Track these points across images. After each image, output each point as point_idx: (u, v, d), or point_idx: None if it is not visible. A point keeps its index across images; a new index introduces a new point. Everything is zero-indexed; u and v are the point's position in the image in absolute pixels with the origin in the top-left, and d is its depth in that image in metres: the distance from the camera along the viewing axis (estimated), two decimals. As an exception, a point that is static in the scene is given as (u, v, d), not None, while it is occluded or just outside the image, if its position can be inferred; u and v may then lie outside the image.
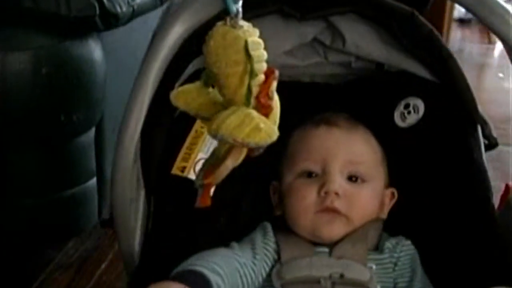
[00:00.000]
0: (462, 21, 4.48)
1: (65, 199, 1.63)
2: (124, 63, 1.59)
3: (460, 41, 4.42)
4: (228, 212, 1.13)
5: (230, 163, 0.87)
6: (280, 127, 1.16)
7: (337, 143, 1.11)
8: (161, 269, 0.93)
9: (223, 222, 1.12)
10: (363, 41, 1.15)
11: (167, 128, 1.07)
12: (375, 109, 1.20)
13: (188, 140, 1.05)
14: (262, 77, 0.86)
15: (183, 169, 1.02)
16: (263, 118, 0.83)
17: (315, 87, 1.26)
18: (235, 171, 1.11)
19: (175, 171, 1.01)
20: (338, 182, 1.07)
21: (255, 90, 0.85)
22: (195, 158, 1.06)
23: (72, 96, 1.49)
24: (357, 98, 1.23)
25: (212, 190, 1.02)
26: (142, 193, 1.02)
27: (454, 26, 4.24)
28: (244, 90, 0.84)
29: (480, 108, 1.15)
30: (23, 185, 1.60)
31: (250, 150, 0.89)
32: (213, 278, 0.91)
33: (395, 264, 1.06)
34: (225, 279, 0.93)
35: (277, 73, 0.87)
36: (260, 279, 1.02)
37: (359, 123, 1.16)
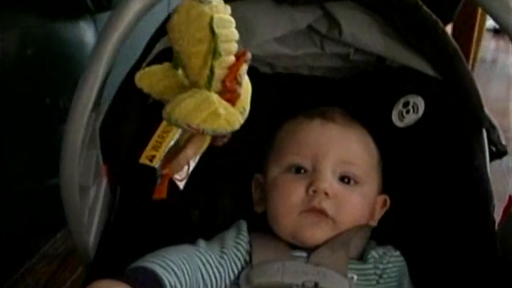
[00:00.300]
0: (496, 31, 4.34)
1: (54, 188, 1.56)
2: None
3: (494, 52, 4.30)
4: (203, 207, 1.05)
5: (190, 153, 0.79)
6: (271, 119, 1.10)
7: (331, 139, 1.02)
8: (119, 266, 0.85)
9: (197, 217, 1.04)
10: (360, 31, 1.05)
11: (139, 116, 0.99)
12: (372, 107, 1.11)
13: (160, 128, 0.97)
14: (231, 59, 0.78)
15: (152, 158, 0.94)
16: (224, 103, 0.75)
17: (312, 80, 1.18)
18: (213, 162, 1.04)
19: (143, 160, 0.92)
20: (329, 181, 0.97)
21: (222, 73, 0.77)
22: (166, 147, 0.97)
23: (58, 80, 1.42)
24: (354, 94, 1.14)
25: (184, 181, 0.95)
26: (104, 182, 0.94)
27: (488, 36, 4.11)
28: (207, 71, 0.76)
29: (487, 110, 1.05)
30: (9, 171, 1.53)
31: (214, 139, 0.80)
32: (166, 276, 0.83)
33: (380, 277, 0.96)
34: (182, 278, 0.85)
35: (248, 55, 0.79)
36: (228, 281, 0.93)
37: (356, 120, 1.07)
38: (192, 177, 0.99)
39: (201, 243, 0.96)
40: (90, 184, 0.89)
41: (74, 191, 0.83)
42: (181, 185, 0.97)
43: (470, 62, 3.13)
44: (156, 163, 0.96)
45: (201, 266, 0.90)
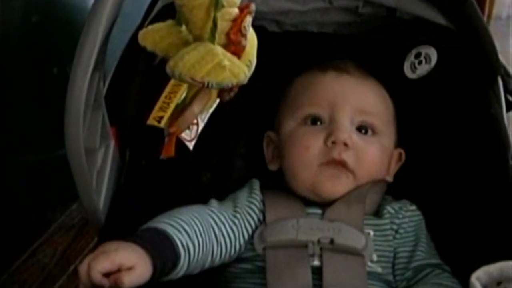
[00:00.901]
0: (512, -14, 4.25)
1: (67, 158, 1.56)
2: (125, 14, 1.50)
3: (509, 8, 4.20)
4: (214, 168, 1.03)
5: (197, 109, 0.78)
6: (281, 78, 1.08)
7: (347, 89, 0.99)
8: (131, 229, 0.83)
9: (209, 178, 1.02)
10: (369, -19, 1.02)
11: (145, 77, 0.97)
12: (384, 60, 1.09)
13: (168, 88, 0.95)
14: (234, 11, 0.76)
15: (160, 119, 0.92)
16: (229, 55, 0.73)
17: (322, 37, 1.15)
18: (224, 123, 1.03)
19: (151, 121, 0.91)
20: (347, 131, 0.95)
21: (226, 25, 0.75)
22: (173, 108, 0.96)
23: (64, 48, 1.40)
24: (365, 48, 1.11)
25: (193, 142, 0.94)
26: (112, 144, 0.93)
27: (503, -8, 4.03)
28: (210, 24, 0.73)
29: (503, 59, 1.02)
30: (20, 143, 1.53)
31: (220, 94, 0.79)
32: (177, 236, 0.81)
33: (396, 232, 0.94)
34: (194, 237, 0.83)
35: (252, 7, 0.77)
36: (242, 241, 0.92)
37: (369, 73, 1.04)
38: (203, 139, 0.98)
39: (214, 203, 0.94)
40: (97, 146, 0.88)
41: (80, 153, 0.82)
42: (190, 145, 0.96)
43: (485, 19, 3.06)
44: (164, 124, 0.95)
45: (214, 225, 0.89)
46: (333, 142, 0.94)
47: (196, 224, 0.85)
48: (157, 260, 0.76)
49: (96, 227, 0.91)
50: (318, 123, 0.97)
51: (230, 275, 0.92)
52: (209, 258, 0.87)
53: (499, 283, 0.75)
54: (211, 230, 0.88)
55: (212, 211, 0.91)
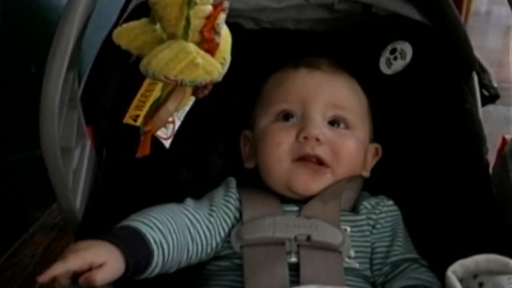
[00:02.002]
0: (490, -17, 4.29)
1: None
2: (101, 12, 1.49)
3: (488, 4, 4.25)
4: (192, 166, 1.03)
5: (171, 107, 0.77)
6: (258, 76, 1.08)
7: (319, 84, 0.99)
8: (107, 228, 0.83)
9: (186, 176, 1.02)
10: (344, -23, 1.03)
11: (120, 76, 0.97)
12: (360, 56, 1.09)
13: (143, 87, 0.95)
14: (208, 8, 0.76)
15: (136, 118, 0.92)
16: (202, 53, 0.73)
17: (298, 34, 1.15)
18: (201, 121, 1.03)
19: (127, 120, 0.90)
20: (319, 126, 0.95)
21: (199, 23, 0.75)
22: (149, 106, 0.96)
23: (43, 46, 1.39)
24: (341, 44, 1.12)
25: (169, 140, 0.94)
26: (88, 144, 0.93)
27: (482, -12, 4.07)
28: (184, 22, 0.73)
29: (477, 54, 1.03)
30: (0, 140, 1.51)
31: (194, 91, 0.79)
32: (150, 233, 0.81)
33: (373, 227, 0.94)
34: (168, 235, 0.83)
35: (226, 4, 0.77)
36: (219, 239, 0.92)
37: (343, 69, 1.04)
38: (180, 137, 0.98)
39: (189, 202, 0.94)
40: (73, 145, 0.87)
41: (55, 152, 0.81)
42: (167, 143, 0.96)
43: (463, 14, 3.09)
44: (140, 123, 0.95)
45: (189, 224, 0.89)
46: (305, 138, 0.94)
47: (170, 222, 0.85)
48: (129, 257, 0.76)
49: (73, 226, 0.91)
50: (291, 119, 0.98)
51: (208, 273, 0.92)
52: (185, 256, 0.87)
53: (475, 276, 0.76)
54: (186, 228, 0.88)
55: (187, 210, 0.90)
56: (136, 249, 0.78)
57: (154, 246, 0.80)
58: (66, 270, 0.71)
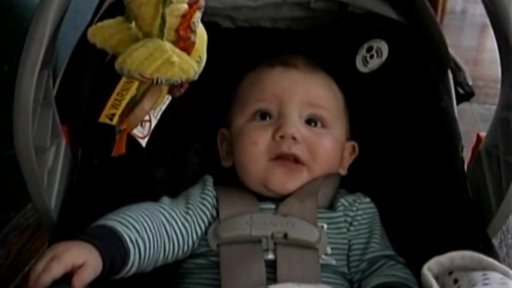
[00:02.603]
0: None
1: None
2: (77, 10, 1.47)
3: (463, 2, 4.29)
4: (168, 164, 1.02)
5: (147, 105, 0.77)
6: (235, 75, 1.08)
7: (295, 83, 0.99)
8: (83, 228, 0.82)
9: (162, 175, 1.01)
10: (319, -24, 1.03)
11: (96, 74, 0.96)
12: (336, 54, 1.09)
13: (119, 86, 0.93)
14: (183, 6, 0.76)
15: (111, 116, 0.91)
16: (178, 51, 0.73)
17: (275, 33, 1.16)
18: (177, 120, 1.02)
19: (103, 119, 0.89)
20: (295, 125, 0.95)
21: (175, 21, 0.75)
22: (125, 105, 0.95)
23: (15, 45, 1.37)
24: (318, 43, 1.12)
25: (146, 139, 0.94)
26: (63, 143, 0.92)
27: (456, -14, 4.11)
28: (159, 20, 0.73)
29: (452, 52, 1.04)
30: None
31: (171, 90, 0.78)
32: (126, 232, 0.80)
33: (350, 224, 0.95)
34: (144, 234, 0.83)
35: (201, 3, 0.76)
36: (195, 237, 0.91)
37: (319, 67, 1.05)
38: (156, 135, 0.97)
39: (165, 200, 0.93)
40: (47, 144, 0.86)
41: (29, 152, 0.80)
42: (143, 142, 0.95)
43: (439, 13, 3.11)
44: (116, 122, 0.94)
45: (165, 222, 0.88)
46: (281, 137, 0.94)
47: (146, 221, 0.84)
48: (106, 255, 0.75)
49: (48, 227, 0.90)
50: (267, 118, 0.98)
51: (185, 271, 0.91)
52: (161, 255, 0.87)
53: (450, 273, 0.77)
54: (162, 226, 0.87)
55: (163, 208, 0.90)
56: (112, 248, 0.77)
57: (130, 245, 0.80)
58: (52, 280, 0.70)
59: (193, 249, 0.92)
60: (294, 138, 0.94)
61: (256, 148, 0.95)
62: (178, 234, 0.89)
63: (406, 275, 0.89)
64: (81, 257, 0.72)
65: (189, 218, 0.91)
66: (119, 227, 0.80)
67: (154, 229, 0.85)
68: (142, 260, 0.82)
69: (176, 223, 0.89)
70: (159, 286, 0.91)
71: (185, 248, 0.90)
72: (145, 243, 0.82)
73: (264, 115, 0.98)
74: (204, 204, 0.94)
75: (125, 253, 0.79)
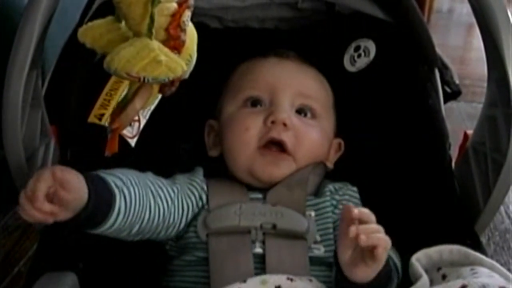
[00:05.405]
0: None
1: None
2: (65, 10, 1.47)
3: (450, 2, 4.31)
4: (158, 164, 1.02)
5: (138, 104, 0.77)
6: (223, 72, 1.08)
7: (288, 73, 1.00)
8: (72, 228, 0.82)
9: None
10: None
11: (85, 74, 0.96)
12: (324, 53, 1.10)
13: (108, 86, 0.95)
14: (173, 6, 0.76)
15: (101, 116, 0.91)
16: (166, 50, 0.73)
17: (263, 33, 1.16)
18: (165, 117, 1.02)
19: (92, 119, 0.90)
20: (287, 112, 0.95)
21: (164, 20, 0.75)
22: (115, 105, 0.95)
23: (4, 45, 1.36)
24: (306, 43, 1.12)
25: (135, 139, 0.94)
26: (52, 143, 0.92)
27: (442, -15, 4.13)
28: (148, 20, 0.73)
29: (439, 51, 1.05)
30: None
31: (161, 88, 0.78)
32: (112, 180, 0.80)
33: (335, 207, 0.94)
34: (130, 186, 0.82)
35: (191, 1, 0.76)
36: (181, 213, 0.90)
37: (309, 63, 1.05)
38: (146, 133, 0.97)
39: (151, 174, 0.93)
40: (36, 145, 0.86)
41: (18, 152, 0.80)
42: (132, 142, 0.96)
43: (426, 12, 3.13)
44: (105, 122, 0.94)
45: (151, 185, 0.87)
46: (273, 122, 0.94)
47: (133, 178, 0.84)
48: (92, 186, 0.75)
49: (38, 228, 0.90)
50: (258, 105, 0.98)
51: (174, 268, 0.91)
52: (147, 215, 0.85)
53: (439, 269, 0.78)
54: (148, 187, 0.86)
55: (150, 175, 0.90)
56: (98, 187, 0.77)
57: (116, 190, 0.80)
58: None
59: (179, 231, 0.91)
60: (284, 124, 0.94)
61: (247, 134, 0.95)
62: (163, 199, 0.88)
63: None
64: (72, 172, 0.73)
65: (175, 190, 0.91)
66: (106, 176, 0.81)
67: (139, 185, 0.84)
68: (127, 210, 0.81)
69: (162, 190, 0.89)
70: (148, 284, 0.91)
71: (171, 219, 0.89)
72: (130, 193, 0.82)
73: (255, 102, 0.98)
74: (192, 185, 0.94)
75: (111, 195, 0.79)
